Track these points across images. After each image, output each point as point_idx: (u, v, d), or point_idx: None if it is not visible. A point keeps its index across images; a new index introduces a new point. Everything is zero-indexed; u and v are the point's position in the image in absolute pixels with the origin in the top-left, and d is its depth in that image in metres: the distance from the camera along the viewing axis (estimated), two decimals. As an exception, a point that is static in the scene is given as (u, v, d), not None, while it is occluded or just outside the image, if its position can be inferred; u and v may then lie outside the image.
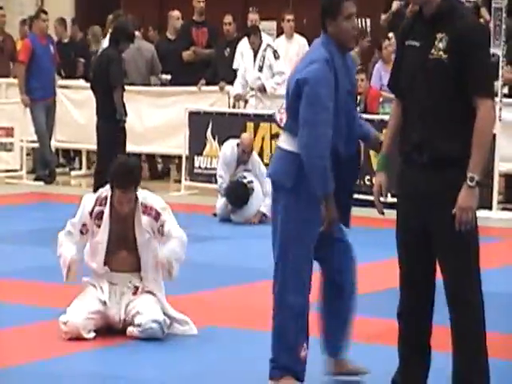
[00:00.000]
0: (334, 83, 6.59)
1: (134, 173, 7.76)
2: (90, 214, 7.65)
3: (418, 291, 6.25)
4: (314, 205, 6.65)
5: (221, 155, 14.29)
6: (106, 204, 7.62)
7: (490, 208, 13.83)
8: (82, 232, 7.70)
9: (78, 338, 7.72)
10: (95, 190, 13.31)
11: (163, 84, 17.94)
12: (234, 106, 16.55)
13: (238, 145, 13.86)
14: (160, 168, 18.54)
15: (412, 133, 6.13)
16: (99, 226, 7.61)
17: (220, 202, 13.91)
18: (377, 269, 9.55)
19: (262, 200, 13.68)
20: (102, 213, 7.61)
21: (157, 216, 7.68)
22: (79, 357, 7.65)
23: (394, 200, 6.33)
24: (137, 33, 17.91)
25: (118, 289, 7.88)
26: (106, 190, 7.71)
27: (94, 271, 7.90)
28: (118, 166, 7.83)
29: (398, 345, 6.36)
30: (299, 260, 6.69)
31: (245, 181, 13.74)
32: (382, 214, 6.33)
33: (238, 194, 13.62)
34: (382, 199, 6.30)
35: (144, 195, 7.78)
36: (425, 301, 6.26)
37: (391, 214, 6.29)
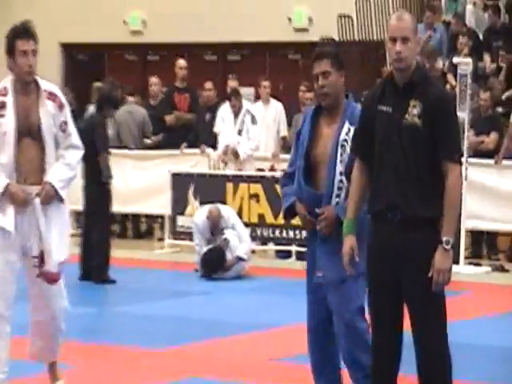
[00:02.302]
0: None
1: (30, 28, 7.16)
2: None
3: (387, 343, 6.21)
4: None
5: (194, 225, 14.36)
6: (7, 94, 7.09)
7: (458, 262, 13.81)
8: None
9: None
10: (82, 249, 13.44)
11: (153, 146, 17.92)
12: (214, 168, 16.61)
13: (207, 217, 13.97)
14: (144, 227, 18.49)
15: (386, 193, 6.13)
16: (3, 116, 7.05)
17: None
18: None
19: (236, 247, 13.74)
20: (3, 103, 7.07)
21: (61, 106, 7.18)
22: None
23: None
24: (131, 98, 18.09)
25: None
26: (4, 82, 7.20)
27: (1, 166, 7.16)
28: None
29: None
30: None
31: (219, 241, 13.83)
32: (352, 271, 6.33)
33: (212, 261, 13.69)
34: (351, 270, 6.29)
35: (47, 84, 7.26)
36: (394, 351, 6.22)
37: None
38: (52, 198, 7.06)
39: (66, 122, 7.17)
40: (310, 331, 6.76)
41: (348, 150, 6.48)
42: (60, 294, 7.27)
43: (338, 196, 6.52)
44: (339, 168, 6.51)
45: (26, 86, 7.09)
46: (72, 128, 7.20)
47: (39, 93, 7.09)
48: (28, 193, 7.01)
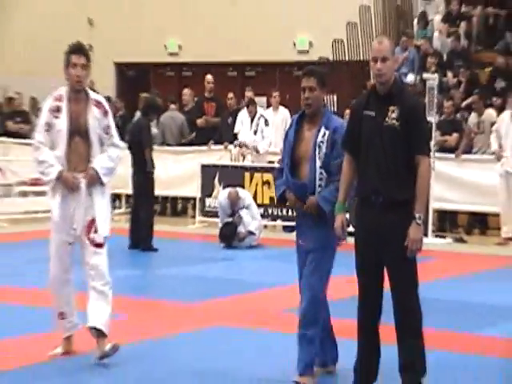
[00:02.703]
0: None
1: (83, 46, 7.19)
2: (49, 110, 7.00)
3: (371, 299, 6.23)
4: None
5: (218, 203, 14.49)
6: (62, 100, 7.01)
7: (426, 235, 13.79)
8: (46, 130, 7.00)
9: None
10: (131, 224, 13.45)
11: (187, 143, 17.90)
12: (234, 161, 16.67)
13: (227, 197, 14.04)
14: (180, 207, 18.50)
15: (370, 181, 6.13)
16: (58, 118, 6.96)
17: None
18: (340, 282, 9.48)
19: (249, 223, 13.74)
20: (59, 107, 6.99)
21: (105, 112, 7.09)
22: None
23: (353, 230, 6.32)
24: (172, 106, 18.14)
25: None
26: (60, 90, 7.13)
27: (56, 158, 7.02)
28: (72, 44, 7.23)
29: (358, 338, 6.31)
30: None
31: (232, 219, 13.89)
32: (345, 240, 6.39)
33: (225, 234, 13.76)
34: (344, 235, 6.31)
35: (95, 95, 7.23)
36: (376, 306, 6.23)
37: (350, 241, 6.30)
38: (95, 180, 6.99)
39: (108, 126, 7.09)
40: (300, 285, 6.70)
41: (324, 149, 6.46)
42: (105, 262, 7.16)
43: (320, 186, 6.47)
44: (318, 163, 6.46)
45: (78, 94, 7.03)
46: (114, 130, 7.11)
47: (88, 101, 7.03)
48: (76, 178, 6.95)
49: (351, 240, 6.29)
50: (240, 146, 16.63)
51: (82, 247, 7.07)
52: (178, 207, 18.42)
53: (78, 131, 6.97)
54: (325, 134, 6.49)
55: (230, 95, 17.87)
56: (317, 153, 6.47)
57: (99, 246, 7.07)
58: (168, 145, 17.50)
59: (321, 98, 6.65)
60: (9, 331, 8.03)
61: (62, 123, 6.93)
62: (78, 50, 7.07)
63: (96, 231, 7.03)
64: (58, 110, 6.95)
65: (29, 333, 7.95)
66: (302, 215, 6.64)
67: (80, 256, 7.10)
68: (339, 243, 6.48)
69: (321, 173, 6.47)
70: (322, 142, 6.48)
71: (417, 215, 6.00)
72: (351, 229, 6.32)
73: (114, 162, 7.12)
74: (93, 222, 7.01)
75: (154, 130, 15.38)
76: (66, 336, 7.19)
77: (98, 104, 7.07)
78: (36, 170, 7.19)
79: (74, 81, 6.99)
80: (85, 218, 6.99)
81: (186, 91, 18.76)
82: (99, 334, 7.02)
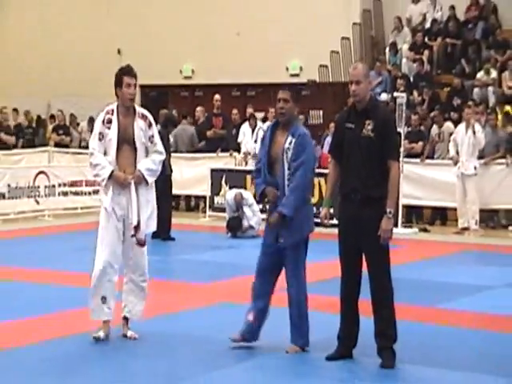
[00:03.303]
0: None
1: (133, 69, 7.01)
2: (102, 122, 6.83)
3: (352, 279, 6.25)
4: None
5: (225, 202, 14.38)
6: (113, 113, 6.86)
7: (397, 226, 13.77)
8: (99, 139, 6.82)
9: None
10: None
11: (198, 151, 17.83)
12: (239, 165, 16.63)
13: (233, 198, 13.95)
14: (193, 204, 18.42)
15: (350, 181, 6.15)
16: (109, 128, 6.80)
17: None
18: (326, 265, 9.46)
19: (251, 218, 13.66)
20: (110, 119, 6.82)
21: (150, 124, 6.94)
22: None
23: (336, 222, 6.33)
24: (184, 120, 18.12)
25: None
26: (111, 105, 6.98)
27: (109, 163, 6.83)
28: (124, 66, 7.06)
29: (341, 311, 6.34)
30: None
31: (237, 214, 13.82)
32: (328, 226, 6.47)
33: (232, 226, 13.71)
34: (328, 222, 6.38)
35: (142, 110, 7.05)
36: (356, 284, 6.25)
37: (334, 231, 6.29)
38: (141, 180, 6.86)
39: (153, 136, 6.96)
40: (258, 272, 6.67)
41: (290, 154, 6.41)
42: (145, 255, 7.02)
43: (289, 183, 6.40)
44: (286, 166, 6.42)
45: (127, 109, 6.90)
46: (157, 139, 6.98)
47: (135, 115, 6.91)
48: (126, 175, 6.81)
49: (335, 230, 6.28)
50: (244, 153, 16.62)
51: (125, 240, 6.89)
52: (191, 204, 18.36)
53: (126, 140, 6.85)
54: (291, 141, 6.44)
55: (235, 111, 17.81)
56: (284, 157, 6.43)
57: (142, 243, 6.89)
58: (180, 152, 17.37)
59: (293, 109, 6.56)
60: (59, 306, 8.06)
61: (113, 133, 6.81)
62: (130, 72, 6.93)
63: (140, 229, 6.84)
64: (109, 121, 6.82)
65: (68, 309, 7.94)
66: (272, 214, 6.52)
67: (123, 248, 6.89)
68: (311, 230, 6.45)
69: (288, 173, 6.43)
70: (288, 148, 6.43)
71: (388, 210, 6.03)
72: (335, 221, 6.32)
73: (156, 165, 6.99)
74: (139, 220, 6.85)
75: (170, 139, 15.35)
76: (105, 320, 6.84)
77: (144, 117, 6.96)
78: (91, 172, 7.03)
79: (128, 99, 6.85)
80: (134, 214, 6.83)
81: (199, 108, 18.69)
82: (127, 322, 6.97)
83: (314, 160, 6.63)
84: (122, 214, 6.84)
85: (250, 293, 6.66)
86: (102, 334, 6.79)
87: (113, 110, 6.88)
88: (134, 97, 6.90)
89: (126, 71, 6.95)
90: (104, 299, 6.82)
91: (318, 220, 6.48)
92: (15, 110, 21.35)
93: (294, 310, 6.50)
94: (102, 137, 6.81)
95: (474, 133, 14.37)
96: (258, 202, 7.18)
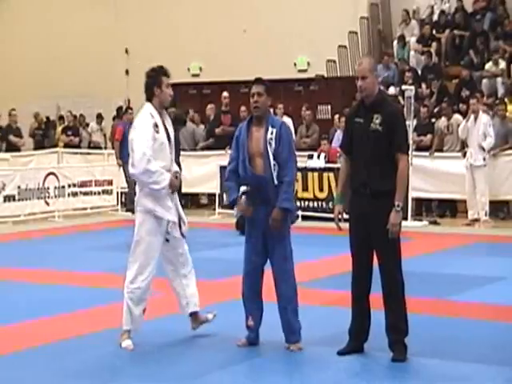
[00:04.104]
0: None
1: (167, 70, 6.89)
2: (152, 126, 6.56)
3: (363, 273, 6.23)
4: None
5: None
6: (155, 117, 6.60)
7: (407, 219, 13.75)
8: (152, 144, 6.54)
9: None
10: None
11: (207, 148, 17.80)
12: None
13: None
14: (206, 201, 18.30)
15: (359, 175, 6.15)
16: (158, 132, 6.58)
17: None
18: (336, 260, 9.46)
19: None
20: (156, 123, 6.58)
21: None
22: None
23: (347, 217, 6.30)
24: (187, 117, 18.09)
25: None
26: (147, 109, 6.67)
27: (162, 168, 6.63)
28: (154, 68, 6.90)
29: (352, 306, 6.32)
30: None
31: None
32: (340, 229, 6.35)
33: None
34: (340, 223, 6.32)
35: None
36: (367, 279, 6.24)
37: (346, 225, 6.27)
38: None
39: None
40: (247, 274, 6.64)
41: (273, 145, 6.35)
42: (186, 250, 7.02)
43: (276, 176, 6.35)
44: (271, 157, 6.37)
45: (164, 110, 6.79)
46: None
47: (168, 116, 6.84)
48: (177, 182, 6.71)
49: (347, 225, 6.26)
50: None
51: (172, 239, 6.79)
52: (199, 202, 18.32)
53: (170, 142, 6.75)
54: (272, 132, 6.39)
55: (243, 108, 17.70)
56: (269, 149, 6.37)
57: (185, 237, 6.91)
58: (183, 150, 17.20)
59: (267, 102, 6.52)
60: (71, 307, 8.05)
61: (163, 137, 6.64)
62: (167, 72, 6.85)
63: (184, 224, 6.83)
64: (156, 125, 6.64)
65: (80, 309, 7.96)
66: (255, 211, 6.47)
67: (170, 249, 6.84)
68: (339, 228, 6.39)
69: (274, 164, 6.37)
70: (271, 139, 6.37)
71: (396, 203, 6.01)
72: (347, 216, 6.30)
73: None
74: (180, 217, 6.80)
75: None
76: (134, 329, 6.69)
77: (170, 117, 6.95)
78: (147, 179, 6.52)
79: (168, 99, 6.77)
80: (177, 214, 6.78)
81: (209, 106, 18.69)
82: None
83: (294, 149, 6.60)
84: (173, 220, 6.71)
85: (241, 298, 6.61)
86: (130, 344, 6.64)
87: (152, 114, 6.66)
88: (172, 97, 6.83)
89: (164, 72, 6.82)
90: (144, 311, 6.75)
91: (331, 216, 6.44)
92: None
93: (284, 306, 6.46)
94: (153, 141, 6.55)
95: (483, 124, 14.34)
96: (230, 207, 7.02)
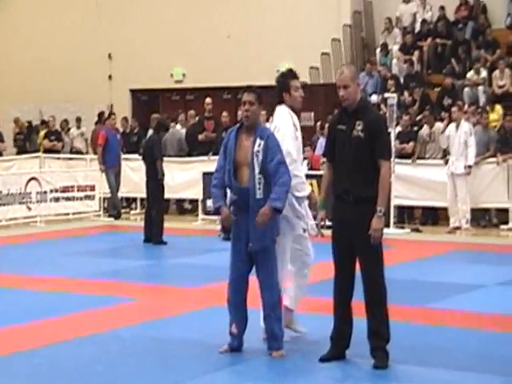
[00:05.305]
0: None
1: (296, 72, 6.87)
2: (293, 126, 6.60)
3: (345, 280, 6.25)
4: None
5: None
6: (292, 117, 6.63)
7: (389, 226, 13.80)
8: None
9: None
10: (145, 222, 13.42)
11: (189, 154, 17.81)
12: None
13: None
14: (190, 207, 18.27)
15: (342, 182, 6.18)
16: (297, 138, 6.62)
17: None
18: (319, 267, 9.45)
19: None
20: (295, 124, 6.62)
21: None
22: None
23: (330, 223, 6.34)
24: (172, 123, 18.03)
25: None
26: (282, 111, 6.66)
27: None
28: None
29: (334, 312, 6.34)
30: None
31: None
32: (322, 236, 6.44)
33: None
34: (324, 230, 6.38)
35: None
36: (349, 285, 6.26)
37: (328, 232, 6.30)
38: None
39: None
40: (232, 281, 6.60)
41: (260, 157, 6.30)
42: None
43: (259, 189, 6.33)
44: (257, 170, 6.32)
45: (297, 110, 6.81)
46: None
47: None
48: None
49: (329, 232, 6.28)
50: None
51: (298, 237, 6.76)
52: (183, 207, 18.30)
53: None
54: (260, 144, 6.33)
55: (225, 114, 17.73)
56: (255, 161, 6.31)
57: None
58: (169, 156, 17.19)
59: (257, 112, 6.46)
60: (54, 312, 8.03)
61: (300, 138, 6.70)
62: (296, 75, 6.83)
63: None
64: (296, 127, 6.68)
65: (67, 313, 7.94)
66: (240, 220, 6.44)
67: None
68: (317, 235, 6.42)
69: (259, 178, 6.32)
70: (258, 151, 6.31)
71: (378, 208, 6.03)
72: (330, 222, 6.32)
73: None
74: None
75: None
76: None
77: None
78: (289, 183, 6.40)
79: (298, 103, 6.76)
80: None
81: (191, 112, 18.66)
82: None
83: None
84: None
85: (226, 304, 6.61)
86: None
87: (289, 113, 6.69)
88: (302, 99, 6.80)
89: (292, 75, 6.81)
90: None
91: (316, 222, 6.46)
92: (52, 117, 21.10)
93: (268, 313, 6.45)
94: (295, 141, 6.60)
95: (465, 133, 14.45)
96: (214, 214, 6.99)
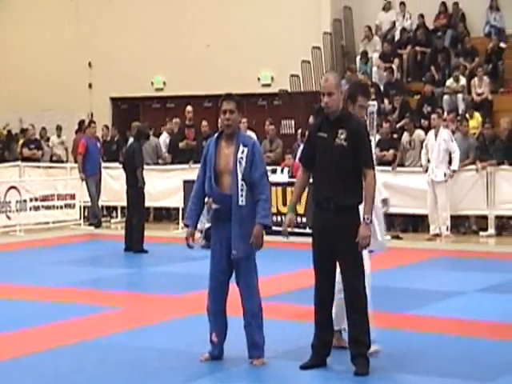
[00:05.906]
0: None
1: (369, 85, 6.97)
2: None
3: (326, 287, 6.26)
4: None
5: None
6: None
7: (370, 234, 13.79)
8: None
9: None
10: (126, 231, 13.36)
11: (169, 162, 17.75)
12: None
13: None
14: (165, 215, 18.17)
15: (323, 190, 6.18)
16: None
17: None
18: (299, 275, 9.45)
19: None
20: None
21: None
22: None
23: (310, 231, 6.36)
24: (149, 131, 17.95)
25: None
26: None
27: None
28: None
29: (315, 320, 6.33)
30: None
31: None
32: (287, 237, 6.41)
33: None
34: (289, 229, 6.35)
35: None
36: (330, 293, 6.28)
37: (309, 239, 6.30)
38: None
39: None
40: (212, 290, 6.60)
41: (244, 164, 6.30)
42: None
43: (242, 196, 6.32)
44: (240, 177, 6.31)
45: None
46: None
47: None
48: None
49: (309, 239, 6.28)
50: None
51: None
52: (163, 215, 18.23)
53: None
54: (243, 150, 6.32)
55: (204, 123, 17.64)
56: (238, 167, 6.30)
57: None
58: (147, 164, 17.12)
59: (237, 119, 6.46)
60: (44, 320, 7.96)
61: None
62: (367, 89, 6.88)
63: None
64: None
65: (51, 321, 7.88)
66: (222, 228, 6.47)
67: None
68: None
69: (242, 184, 6.31)
70: (241, 158, 6.31)
71: (365, 216, 6.05)
72: (303, 230, 6.34)
73: None
74: None
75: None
76: None
77: None
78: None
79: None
80: None
81: (174, 120, 18.56)
82: None
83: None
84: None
85: (206, 313, 6.59)
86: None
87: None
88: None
89: (361, 88, 6.83)
90: None
91: (280, 228, 6.45)
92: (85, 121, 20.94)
93: (248, 321, 6.44)
94: None
95: (444, 140, 14.52)
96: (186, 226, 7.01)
